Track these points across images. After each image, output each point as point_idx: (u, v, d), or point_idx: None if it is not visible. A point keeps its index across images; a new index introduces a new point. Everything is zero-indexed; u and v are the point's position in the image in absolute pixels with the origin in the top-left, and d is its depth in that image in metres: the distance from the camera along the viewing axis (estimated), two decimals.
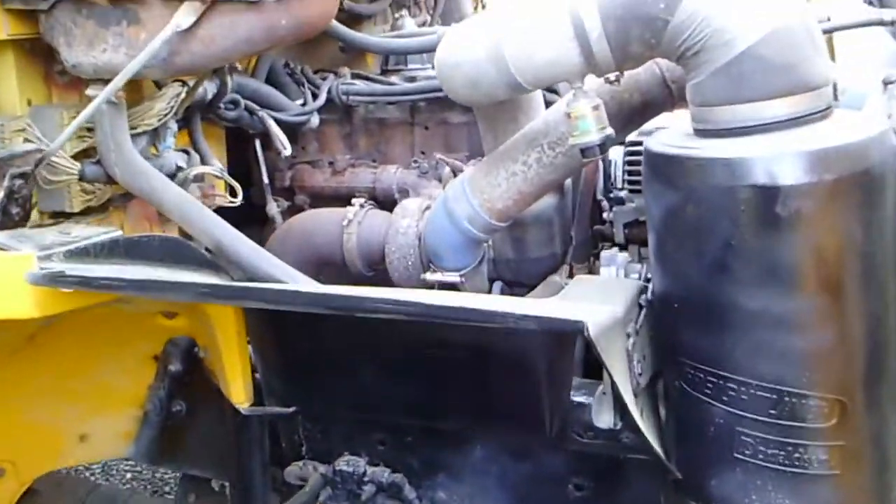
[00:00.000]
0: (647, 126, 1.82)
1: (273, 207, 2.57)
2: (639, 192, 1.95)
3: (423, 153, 2.56)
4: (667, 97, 1.66)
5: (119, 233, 1.45)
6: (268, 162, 2.58)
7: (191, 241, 1.73)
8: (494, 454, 1.83)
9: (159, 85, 1.84)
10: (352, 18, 2.80)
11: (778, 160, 1.27)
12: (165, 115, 1.84)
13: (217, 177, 2.01)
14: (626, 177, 1.93)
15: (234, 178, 2.47)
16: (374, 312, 1.28)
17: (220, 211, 2.07)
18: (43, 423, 2.04)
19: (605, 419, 1.53)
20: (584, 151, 1.53)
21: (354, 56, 2.80)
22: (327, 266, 2.40)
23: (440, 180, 2.49)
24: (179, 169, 1.92)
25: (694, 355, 1.43)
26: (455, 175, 2.21)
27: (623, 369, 1.37)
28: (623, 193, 1.94)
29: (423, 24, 3.23)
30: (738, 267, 1.33)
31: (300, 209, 2.61)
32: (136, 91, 1.82)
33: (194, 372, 2.01)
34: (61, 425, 2.09)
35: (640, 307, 1.54)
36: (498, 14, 1.54)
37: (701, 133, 1.42)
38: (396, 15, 2.78)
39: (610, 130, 1.52)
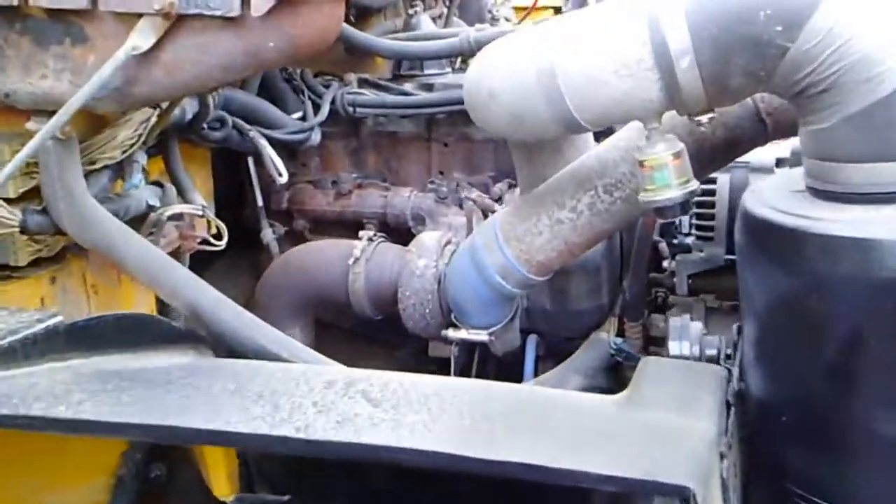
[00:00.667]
0: None
1: (268, 234, 2.24)
2: (709, 239, 1.61)
3: (441, 173, 2.22)
4: (759, 133, 1.32)
5: (58, 318, 1.12)
6: (263, 181, 2.24)
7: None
8: None
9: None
10: (358, 12, 2.45)
11: None
12: (132, 145, 1.50)
13: (199, 215, 1.66)
14: (695, 220, 1.58)
15: (224, 199, 2.15)
16: (391, 461, 0.95)
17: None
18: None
19: None
20: (661, 210, 1.19)
21: (362, 57, 2.44)
22: (331, 306, 2.07)
23: (461, 206, 2.15)
24: (151, 208, 1.59)
25: (804, 483, 1.10)
26: (482, 213, 1.87)
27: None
28: (690, 240, 1.59)
29: (438, 18, 2.87)
30: (871, 380, 1.00)
31: (299, 235, 2.29)
32: (95, 119, 1.47)
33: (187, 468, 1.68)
34: (21, 500, 1.77)
35: (729, 405, 1.21)
36: (553, 30, 1.18)
37: (822, 195, 1.08)
38: (410, 10, 2.41)
39: (694, 185, 1.18)
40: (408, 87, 2.21)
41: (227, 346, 1.41)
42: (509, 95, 1.21)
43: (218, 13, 1.08)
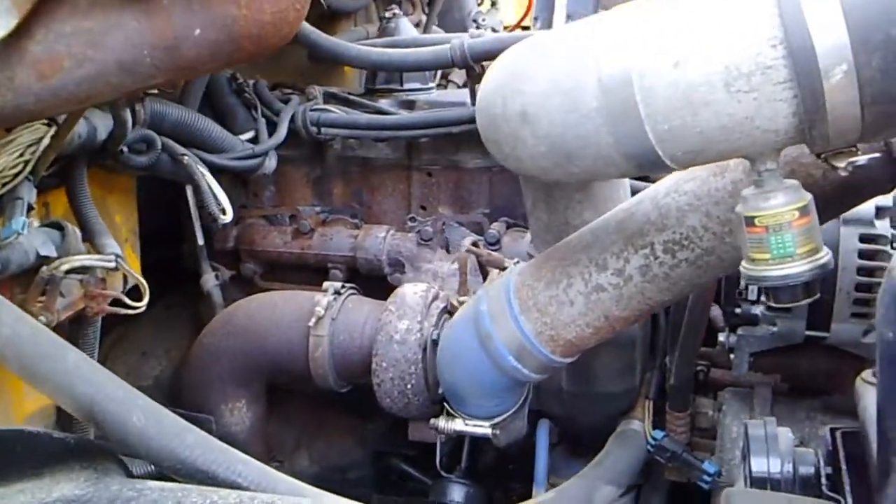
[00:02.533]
0: None
1: (210, 279, 1.83)
2: (786, 310, 1.23)
3: (423, 208, 1.83)
4: (888, 176, 0.95)
5: None
6: (205, 214, 1.83)
7: None
8: None
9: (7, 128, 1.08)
10: (322, 16, 2.06)
11: None
12: (14, 175, 1.09)
13: (111, 268, 1.25)
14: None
15: (157, 233, 1.74)
16: None
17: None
18: None
19: None
20: (778, 292, 0.81)
21: (328, 67, 2.05)
22: (285, 376, 1.67)
23: (448, 249, 1.76)
24: (44, 259, 1.17)
25: None
26: (480, 262, 1.49)
27: None
28: (759, 310, 1.22)
29: (417, 26, 2.49)
30: None
31: (248, 281, 1.88)
32: None
33: None
34: None
35: None
36: (624, 26, 0.80)
37: None
38: (387, 13, 2.02)
39: (826, 256, 0.81)
40: (384, 104, 1.82)
41: (140, 456, 1.00)
42: (553, 119, 0.83)
43: None
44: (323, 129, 1.75)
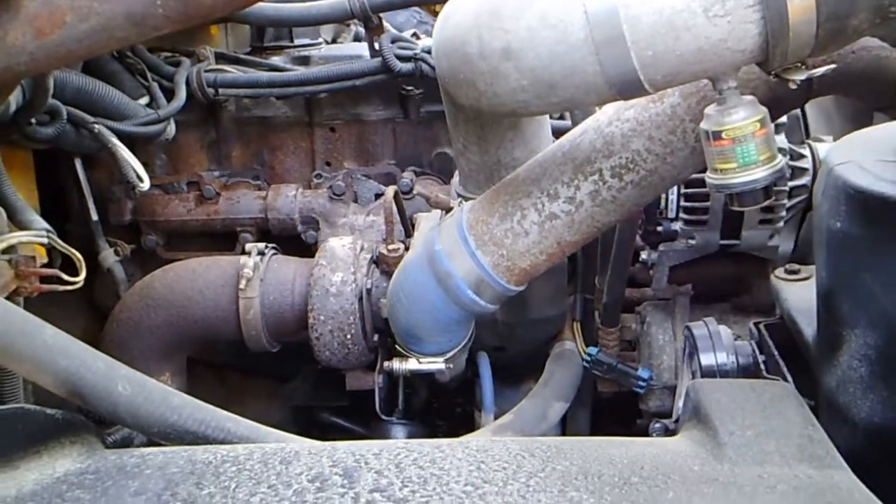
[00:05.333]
0: None
1: (109, 256, 1.75)
2: (702, 223, 1.36)
3: (328, 164, 1.83)
4: (802, 91, 1.08)
5: None
6: (95, 188, 1.75)
7: None
8: None
9: None
10: None
11: None
12: None
13: (41, 244, 1.19)
14: (684, 202, 1.34)
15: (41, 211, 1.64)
16: None
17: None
18: None
19: None
20: (741, 196, 0.91)
21: (192, 28, 1.97)
22: (212, 343, 1.64)
23: (358, 202, 1.78)
24: None
25: None
26: (400, 208, 1.53)
27: None
28: (678, 226, 1.35)
29: None
30: None
31: (151, 255, 1.81)
32: None
33: None
34: None
35: None
36: None
37: None
38: None
39: (781, 161, 0.92)
40: (277, 61, 1.80)
41: (116, 419, 0.98)
42: (540, 52, 0.88)
43: None
44: (221, 91, 1.71)
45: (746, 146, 0.89)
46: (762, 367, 1.14)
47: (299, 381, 1.86)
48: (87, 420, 0.97)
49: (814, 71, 0.85)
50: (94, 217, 1.74)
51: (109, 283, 1.75)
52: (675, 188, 1.35)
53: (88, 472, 0.88)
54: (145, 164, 1.83)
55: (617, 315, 1.45)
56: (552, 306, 1.47)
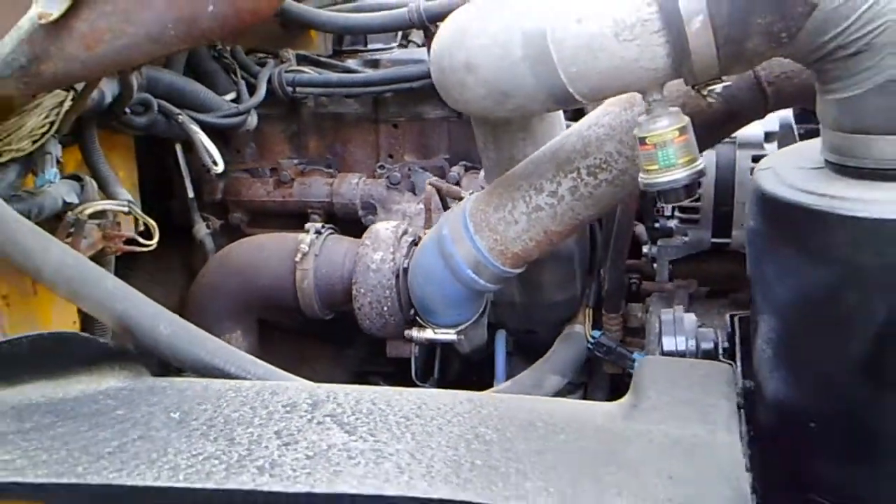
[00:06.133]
0: None
1: (202, 229, 2.04)
2: (694, 222, 1.48)
3: (390, 157, 2.05)
4: (759, 104, 1.19)
5: None
6: (194, 170, 2.04)
7: None
8: None
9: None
10: None
11: None
12: (43, 134, 1.29)
13: (125, 212, 1.46)
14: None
15: (149, 190, 1.94)
16: None
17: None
18: None
19: None
20: (664, 193, 1.05)
21: (296, 32, 2.24)
22: (276, 307, 1.89)
23: (414, 192, 1.99)
24: (69, 206, 1.38)
25: (835, 495, 0.98)
26: (441, 200, 1.71)
27: None
28: (673, 223, 1.47)
29: None
30: None
31: (236, 230, 2.09)
32: (1, 104, 1.26)
33: None
34: None
35: (739, 407, 1.09)
36: None
37: (849, 172, 0.95)
38: None
39: (701, 164, 1.04)
40: (351, 63, 2.04)
41: (168, 360, 1.22)
42: (491, 67, 1.05)
43: None
44: (298, 89, 1.96)
45: (667, 150, 1.02)
46: (720, 353, 1.26)
47: (354, 348, 2.09)
48: (136, 353, 1.23)
49: (715, 87, 0.98)
50: (191, 195, 2.03)
51: (201, 252, 2.04)
52: None
53: (125, 389, 1.11)
54: (237, 151, 2.13)
55: (618, 302, 1.58)
56: (562, 291, 1.62)
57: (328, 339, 2.11)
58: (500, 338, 1.69)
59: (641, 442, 0.94)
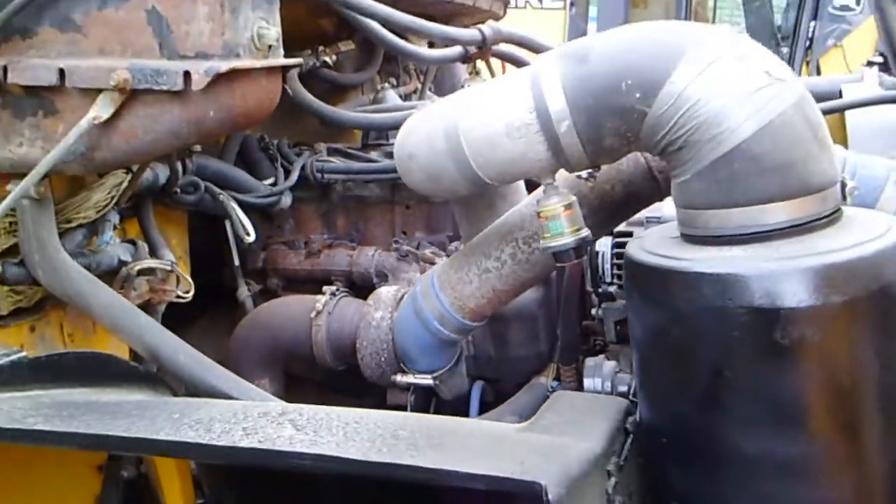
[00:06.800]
0: (638, 216, 1.63)
1: (244, 291, 2.39)
2: None
3: (404, 233, 2.38)
4: (653, 189, 1.47)
5: (23, 353, 1.27)
6: (240, 242, 2.41)
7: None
8: None
9: (100, 174, 1.67)
10: (335, 89, 2.66)
11: (777, 278, 1.06)
12: (105, 206, 1.67)
13: (168, 271, 1.83)
14: (615, 270, 1.73)
15: (202, 258, 2.31)
16: (290, 465, 1.09)
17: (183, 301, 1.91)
18: None
19: None
20: (557, 255, 1.34)
21: (340, 129, 2.64)
22: (296, 360, 2.21)
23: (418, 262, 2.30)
24: (123, 263, 1.75)
25: (686, 500, 1.21)
26: (432, 264, 2.02)
27: None
28: (613, 289, 1.73)
29: (414, 93, 3.08)
30: (733, 402, 1.13)
31: (273, 293, 2.44)
32: (73, 181, 1.66)
33: (147, 479, 1.80)
34: None
35: (627, 433, 1.33)
36: (458, 100, 1.36)
37: (689, 239, 1.22)
38: (379, 86, 2.62)
39: (585, 232, 1.33)
40: (374, 154, 2.40)
41: (184, 384, 1.55)
42: (424, 157, 1.37)
43: (165, 88, 1.27)
44: (326, 175, 2.32)
45: (557, 222, 1.31)
46: (632, 395, 1.51)
47: (365, 398, 2.38)
48: (160, 376, 1.56)
49: (582, 173, 1.27)
50: (237, 263, 2.40)
51: (242, 311, 2.39)
52: (609, 257, 1.74)
53: (150, 403, 1.45)
54: (278, 227, 2.50)
55: (572, 355, 1.82)
56: (526, 348, 1.89)
57: (345, 390, 2.40)
58: (476, 387, 1.96)
59: (517, 443, 1.20)
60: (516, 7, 10.48)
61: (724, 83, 1.13)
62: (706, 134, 1.13)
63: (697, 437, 1.18)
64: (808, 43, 8.79)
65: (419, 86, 3.11)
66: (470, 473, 0.98)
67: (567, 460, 1.09)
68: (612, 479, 1.20)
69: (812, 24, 8.63)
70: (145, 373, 1.53)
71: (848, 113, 1.81)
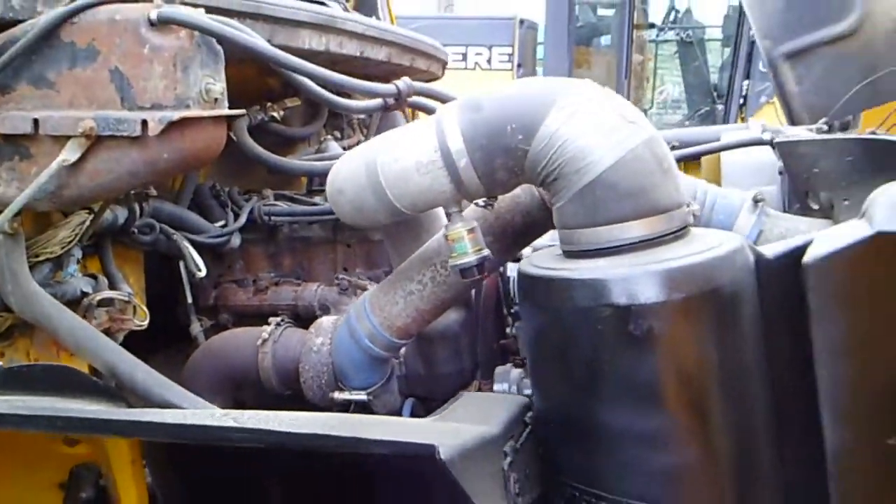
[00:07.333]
0: (540, 241, 1.88)
1: (196, 327, 2.58)
2: None
3: (345, 269, 2.60)
4: (547, 218, 1.72)
5: None
6: (193, 282, 2.61)
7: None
8: None
9: (65, 213, 1.88)
10: (284, 141, 2.90)
11: (629, 280, 1.31)
12: (69, 242, 1.88)
13: (125, 301, 2.03)
14: None
15: (157, 297, 2.50)
16: (227, 441, 1.29)
17: (142, 333, 2.10)
18: None
19: None
20: (464, 272, 1.57)
21: (287, 177, 2.87)
22: (244, 387, 2.40)
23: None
24: (84, 294, 1.95)
25: (571, 474, 1.44)
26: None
27: (494, 491, 1.36)
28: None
29: (357, 144, 3.33)
30: (601, 386, 1.36)
31: (224, 328, 2.63)
32: (42, 220, 1.86)
33: (105, 500, 1.96)
34: None
35: (525, 424, 1.55)
36: (377, 142, 1.61)
37: (567, 254, 1.47)
38: (322, 138, 2.87)
39: (486, 252, 1.57)
40: (317, 199, 2.63)
41: (139, 397, 1.74)
42: (350, 191, 1.62)
43: (125, 134, 1.50)
44: (273, 218, 2.55)
45: (462, 243, 1.56)
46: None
47: None
48: (116, 390, 1.75)
49: (480, 201, 1.52)
50: (189, 300, 2.60)
51: (195, 345, 2.58)
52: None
53: (108, 413, 1.63)
54: (228, 266, 2.71)
55: (490, 370, 2.06)
56: (451, 364, 2.11)
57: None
58: (408, 404, 2.16)
59: (424, 427, 1.42)
60: (466, 69, 10.93)
61: (587, 125, 1.40)
62: (574, 167, 1.39)
63: (575, 419, 1.40)
64: (741, 100, 9.30)
65: (362, 138, 3.37)
66: (378, 440, 1.20)
67: (463, 436, 1.31)
68: (508, 459, 1.42)
69: (745, 82, 9.14)
70: (105, 387, 1.72)
71: (723, 155, 2.10)
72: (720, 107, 10.31)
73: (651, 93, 12.15)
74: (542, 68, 11.28)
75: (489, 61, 11.07)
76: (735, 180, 2.01)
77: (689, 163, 2.31)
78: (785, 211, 1.90)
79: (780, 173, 2.00)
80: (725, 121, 9.51)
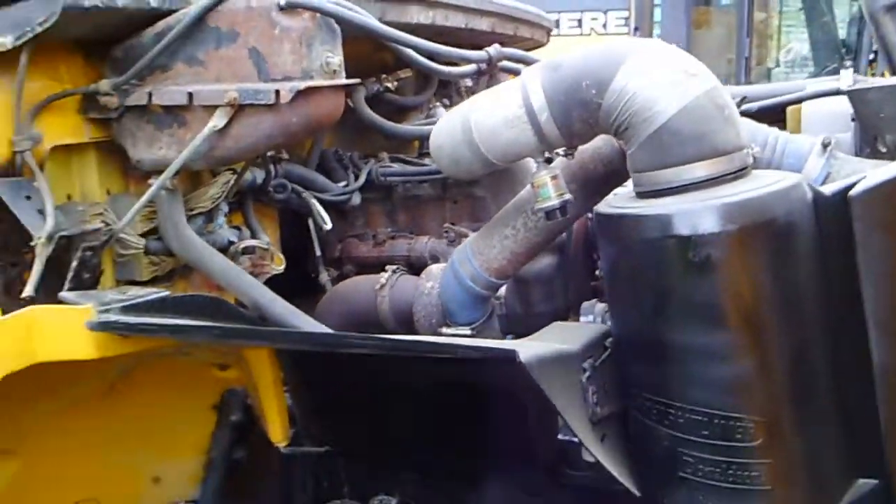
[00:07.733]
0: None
1: (324, 276, 2.91)
2: None
3: (452, 223, 2.86)
4: (603, 176, 1.91)
5: (167, 293, 1.79)
6: (321, 237, 2.93)
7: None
8: (509, 492, 2.06)
9: (214, 174, 2.22)
10: (398, 110, 3.18)
11: (690, 213, 1.50)
12: (217, 198, 2.21)
13: (265, 249, 2.35)
14: None
15: (291, 252, 2.84)
16: (347, 348, 1.57)
17: (278, 280, 2.42)
18: (122, 465, 2.35)
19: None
20: (548, 214, 1.79)
21: (402, 141, 3.16)
22: (366, 326, 2.71)
23: None
24: (231, 243, 2.28)
25: (642, 386, 1.64)
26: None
27: (574, 400, 1.58)
28: None
29: None
30: (667, 309, 1.55)
31: (348, 277, 2.95)
32: (195, 179, 2.21)
33: (254, 421, 2.29)
34: (137, 468, 2.40)
35: (606, 348, 1.76)
36: (470, 102, 1.85)
37: (639, 195, 1.66)
38: (430, 105, 3.13)
39: (568, 196, 1.78)
40: (427, 161, 2.90)
41: (277, 326, 2.06)
42: (448, 146, 1.86)
43: (262, 102, 1.80)
44: (388, 178, 2.84)
45: (545, 189, 1.77)
46: None
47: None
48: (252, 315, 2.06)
49: (560, 150, 1.73)
50: (318, 253, 2.92)
51: (323, 292, 2.90)
52: None
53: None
54: (351, 224, 3.02)
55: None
56: (545, 304, 2.33)
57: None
58: (507, 341, 2.41)
59: (509, 343, 1.65)
60: (581, 34, 10.94)
61: (653, 79, 1.58)
62: (642, 116, 1.58)
63: (646, 338, 1.60)
64: (871, 55, 8.93)
65: None
66: (470, 346, 1.44)
67: (544, 349, 1.54)
68: (587, 373, 1.64)
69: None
70: (250, 316, 2.03)
71: (804, 107, 2.21)
72: (849, 63, 9.90)
73: (776, 51, 11.77)
74: (659, 31, 11.15)
75: (605, 26, 11.04)
76: (814, 131, 2.11)
77: (772, 114, 2.42)
78: (857, 156, 2.00)
79: (853, 120, 2.10)
80: None
